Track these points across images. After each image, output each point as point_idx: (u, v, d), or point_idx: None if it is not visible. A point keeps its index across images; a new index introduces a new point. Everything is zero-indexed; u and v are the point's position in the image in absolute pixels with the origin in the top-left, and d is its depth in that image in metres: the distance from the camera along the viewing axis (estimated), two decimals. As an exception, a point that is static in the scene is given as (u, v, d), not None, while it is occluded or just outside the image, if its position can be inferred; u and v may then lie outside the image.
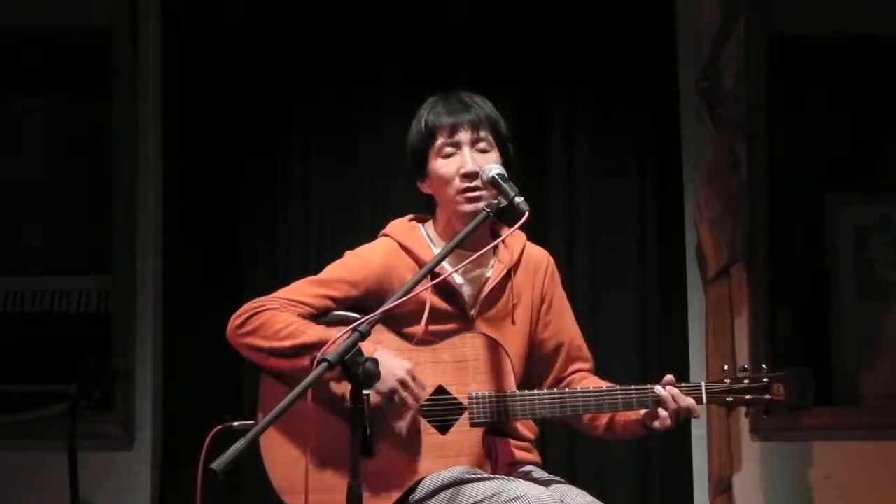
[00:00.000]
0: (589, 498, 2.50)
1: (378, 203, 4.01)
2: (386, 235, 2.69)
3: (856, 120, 4.29)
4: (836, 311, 4.23)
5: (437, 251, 2.61)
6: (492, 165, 2.54)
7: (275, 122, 4.12)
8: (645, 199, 4.08)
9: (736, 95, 4.01)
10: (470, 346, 2.55)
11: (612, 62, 4.09)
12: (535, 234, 2.77)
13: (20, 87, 4.35)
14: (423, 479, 2.48)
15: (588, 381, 2.68)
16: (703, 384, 2.57)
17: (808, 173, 4.29)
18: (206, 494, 2.23)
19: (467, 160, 2.57)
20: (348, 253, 2.67)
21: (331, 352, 2.12)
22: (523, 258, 2.69)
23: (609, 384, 2.64)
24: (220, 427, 2.40)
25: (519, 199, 2.43)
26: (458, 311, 2.60)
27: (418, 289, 2.33)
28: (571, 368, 2.71)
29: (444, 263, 2.44)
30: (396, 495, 2.48)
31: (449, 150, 2.59)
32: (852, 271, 4.25)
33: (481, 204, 2.54)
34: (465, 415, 2.52)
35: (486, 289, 2.63)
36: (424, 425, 2.51)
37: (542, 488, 2.41)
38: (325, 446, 2.45)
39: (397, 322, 2.55)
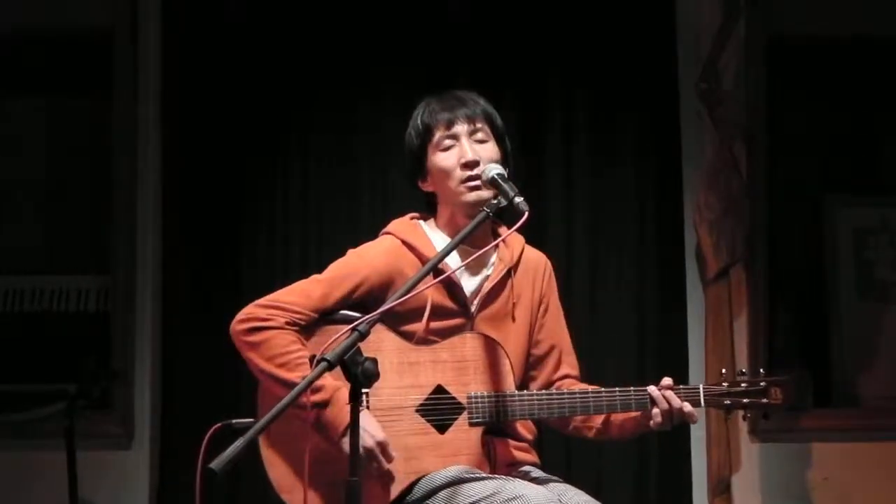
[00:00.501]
0: (586, 497, 2.50)
1: (378, 202, 4.01)
2: (388, 233, 2.69)
3: (855, 121, 4.29)
4: (835, 312, 4.23)
5: (439, 247, 2.62)
6: (491, 165, 2.56)
7: (275, 122, 4.12)
8: (644, 199, 4.08)
9: (735, 96, 4.00)
10: (470, 346, 2.55)
11: (612, 62, 4.09)
12: (534, 234, 2.78)
13: (20, 87, 4.34)
14: (420, 478, 2.48)
15: (578, 388, 2.67)
16: (700, 387, 2.58)
17: (807, 174, 4.29)
18: (205, 493, 2.23)
19: (467, 150, 2.59)
20: (351, 251, 2.68)
21: (330, 351, 2.12)
22: (522, 259, 2.71)
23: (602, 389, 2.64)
24: (219, 425, 2.40)
25: (519, 199, 2.44)
26: (459, 308, 2.61)
27: (420, 286, 2.33)
28: (561, 372, 2.73)
29: (447, 260, 2.45)
30: (394, 494, 2.48)
31: (447, 142, 2.61)
32: (851, 272, 4.25)
33: (484, 192, 2.55)
34: (464, 414, 2.52)
35: (487, 286, 2.64)
36: (423, 424, 2.51)
37: (540, 488, 2.42)
38: (324, 445, 2.45)
39: (398, 319, 2.55)
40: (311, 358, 2.29)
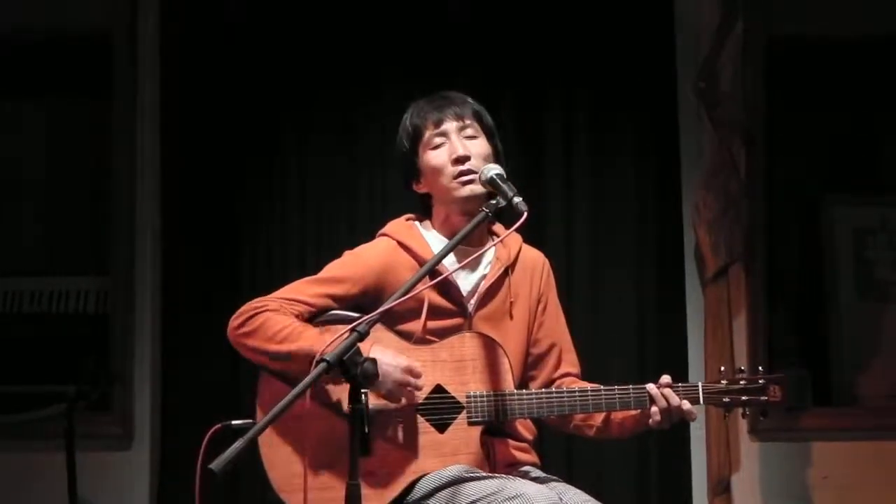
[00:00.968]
0: (586, 497, 2.50)
1: (377, 203, 4.01)
2: (384, 235, 2.70)
3: (854, 121, 4.30)
4: (834, 311, 4.23)
5: (435, 248, 2.63)
6: (490, 165, 2.57)
7: (274, 122, 4.12)
8: (643, 199, 4.08)
9: (734, 96, 4.00)
10: (469, 345, 2.56)
11: (611, 63, 4.09)
12: (533, 234, 2.78)
13: (20, 87, 4.34)
14: (420, 477, 2.48)
15: (578, 386, 2.67)
16: (699, 385, 2.58)
17: (806, 174, 4.30)
18: (204, 494, 2.23)
19: (457, 146, 2.60)
20: (347, 252, 2.69)
21: (329, 352, 2.12)
22: (520, 258, 2.71)
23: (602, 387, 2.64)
24: (218, 426, 2.40)
25: (517, 200, 2.44)
26: (456, 307, 2.61)
27: (418, 287, 2.34)
28: (562, 370, 2.73)
29: (444, 261, 2.45)
30: (394, 494, 2.48)
31: (437, 140, 2.62)
32: (851, 272, 4.25)
33: (477, 187, 2.56)
34: (464, 414, 2.52)
35: (484, 285, 2.64)
36: (422, 424, 2.52)
37: (541, 486, 2.42)
38: (323, 445, 2.46)
39: (396, 320, 2.56)
40: (311, 358, 2.28)
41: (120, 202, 4.11)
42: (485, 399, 2.53)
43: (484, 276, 2.66)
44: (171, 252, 4.10)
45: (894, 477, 3.95)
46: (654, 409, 2.53)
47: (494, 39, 4.09)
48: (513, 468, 2.62)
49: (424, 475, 2.48)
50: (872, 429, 4.00)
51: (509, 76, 4.05)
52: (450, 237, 2.64)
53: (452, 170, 2.59)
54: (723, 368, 2.70)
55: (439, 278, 2.47)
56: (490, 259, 2.68)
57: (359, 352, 2.16)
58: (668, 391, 2.53)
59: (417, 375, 2.48)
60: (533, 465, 2.68)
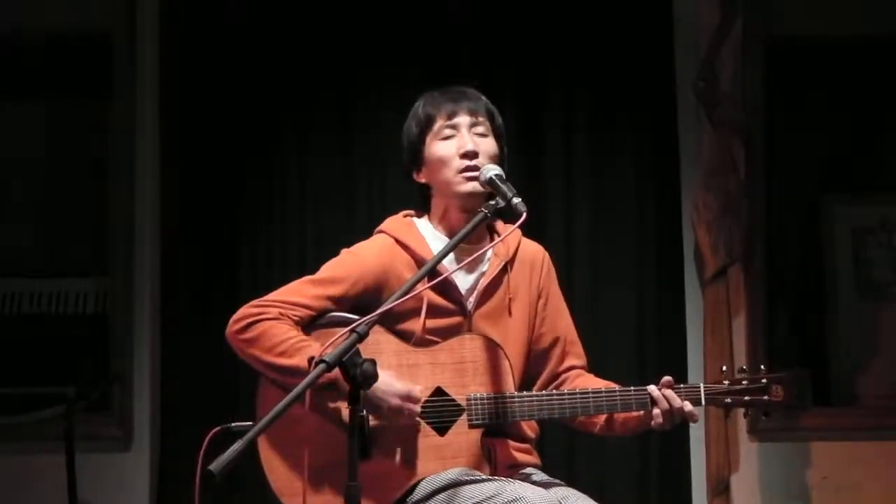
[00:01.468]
0: (590, 502, 2.49)
1: (376, 202, 4.01)
2: (381, 232, 2.69)
3: (853, 120, 4.29)
4: (833, 311, 4.23)
5: (433, 245, 2.62)
6: (490, 166, 2.56)
7: (273, 122, 4.12)
8: (643, 199, 4.08)
9: (733, 96, 4.00)
10: (469, 347, 2.55)
11: (611, 62, 4.09)
12: (533, 234, 2.78)
13: (19, 88, 4.34)
14: (421, 480, 2.47)
15: (584, 380, 2.68)
16: (701, 385, 2.57)
17: (805, 174, 4.29)
18: (204, 496, 2.23)
19: (466, 140, 2.59)
20: (344, 251, 2.68)
21: (329, 353, 2.12)
22: (519, 253, 2.70)
23: (606, 383, 2.64)
24: (218, 429, 2.40)
25: (517, 200, 2.44)
26: (455, 306, 2.60)
27: (418, 287, 2.33)
28: (567, 364, 2.71)
29: (443, 261, 2.44)
30: (394, 497, 2.48)
31: (448, 132, 2.61)
32: (850, 272, 4.24)
33: (479, 186, 2.54)
34: (464, 416, 2.51)
35: (483, 283, 2.63)
36: (422, 427, 2.51)
37: (541, 490, 2.41)
38: (323, 449, 2.45)
39: (395, 320, 2.55)
40: (311, 359, 2.28)
41: (120, 202, 4.11)
42: (485, 401, 2.52)
43: (483, 274, 2.65)
44: (170, 252, 4.10)
45: (894, 477, 3.95)
46: (655, 410, 2.52)
47: (494, 39, 4.09)
48: (514, 470, 2.61)
49: (424, 478, 2.47)
50: (872, 429, 4.00)
51: (509, 76, 4.05)
52: (448, 234, 2.64)
53: (459, 163, 2.57)
54: (724, 368, 2.68)
55: (439, 279, 2.46)
56: (488, 256, 2.67)
57: (358, 353, 2.15)
58: (669, 392, 2.52)
59: (416, 400, 2.47)
60: (535, 466, 2.67)
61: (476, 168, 2.56)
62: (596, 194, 4.08)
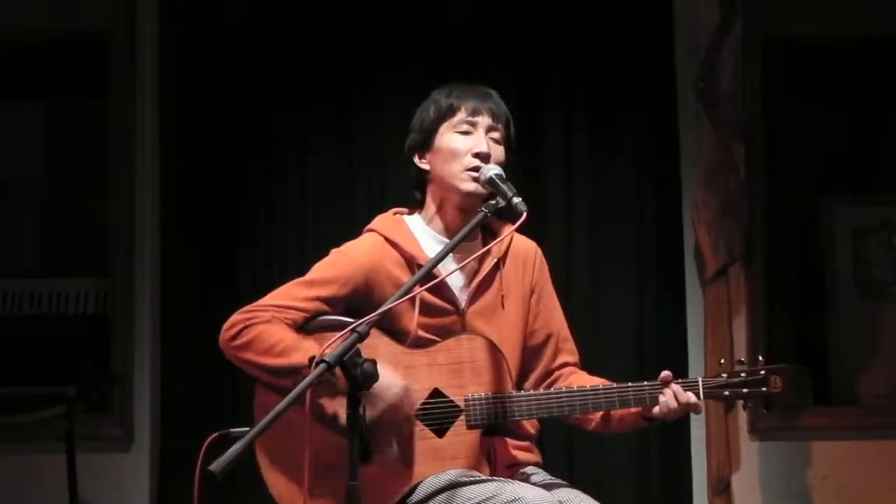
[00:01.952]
0: (591, 502, 2.48)
1: (376, 202, 4.00)
2: (371, 230, 2.68)
3: (853, 120, 4.30)
4: (833, 311, 4.23)
5: (423, 243, 2.61)
6: (490, 166, 2.55)
7: (273, 122, 4.12)
8: (643, 199, 4.08)
9: (733, 95, 4.00)
10: (466, 347, 2.54)
11: (611, 62, 4.09)
12: (533, 234, 2.77)
13: (19, 88, 4.34)
14: (420, 482, 2.47)
15: (577, 377, 2.67)
16: (699, 380, 2.55)
17: (805, 174, 4.30)
18: (204, 497, 2.22)
19: (482, 141, 2.57)
20: (334, 251, 2.66)
21: (329, 353, 2.11)
22: (511, 249, 2.69)
23: (600, 380, 2.63)
24: (216, 434, 2.39)
25: (517, 200, 2.43)
26: (448, 304, 2.60)
27: (416, 288, 2.33)
28: (560, 361, 2.71)
29: (431, 256, 2.43)
30: (394, 499, 2.47)
31: (466, 126, 2.59)
32: (850, 272, 4.25)
33: (481, 188, 2.54)
34: (462, 417, 2.51)
35: (476, 280, 2.63)
36: (421, 429, 2.50)
37: (540, 490, 2.40)
38: (321, 452, 2.43)
39: (388, 320, 2.52)
40: (311, 359, 2.28)
41: (120, 202, 4.11)
42: (483, 402, 2.51)
43: (476, 271, 2.64)
44: (170, 252, 4.10)
45: (894, 476, 3.95)
46: (662, 398, 2.50)
47: (494, 39, 4.09)
48: (514, 469, 2.61)
49: (423, 480, 2.46)
50: (872, 428, 4.01)
51: (509, 76, 4.04)
52: (440, 232, 2.63)
53: (468, 161, 2.56)
54: (722, 361, 2.68)
55: (435, 281, 2.44)
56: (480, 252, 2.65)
57: (358, 353, 2.15)
58: (677, 388, 2.50)
59: (412, 400, 2.45)
60: (535, 464, 2.66)
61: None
62: (596, 194, 4.08)
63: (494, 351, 2.55)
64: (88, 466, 3.82)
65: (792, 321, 4.24)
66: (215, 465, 1.94)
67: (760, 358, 2.62)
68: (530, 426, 2.68)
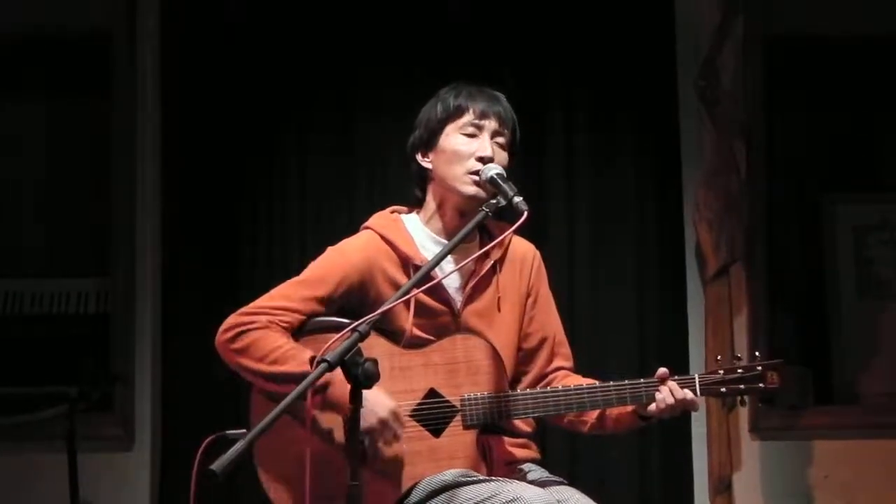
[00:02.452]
0: (589, 501, 2.47)
1: (375, 202, 3.98)
2: (367, 228, 2.67)
3: (854, 119, 4.30)
4: (834, 310, 4.23)
5: (420, 242, 2.61)
6: (491, 165, 2.54)
7: (273, 122, 4.12)
8: (644, 198, 4.08)
9: (734, 94, 4.00)
10: (461, 347, 2.53)
11: (611, 62, 4.09)
12: (534, 234, 2.77)
13: (20, 88, 4.35)
14: (417, 483, 2.46)
15: (571, 380, 2.66)
16: (696, 377, 2.54)
17: (806, 172, 4.30)
18: (203, 497, 2.22)
19: (487, 146, 2.56)
20: (329, 249, 2.65)
21: (330, 352, 2.11)
22: (509, 251, 2.68)
23: (597, 382, 2.62)
24: (213, 436, 2.39)
25: (518, 199, 2.43)
26: (443, 305, 2.59)
27: (415, 290, 2.32)
28: (554, 365, 2.70)
29: (428, 257, 2.43)
30: (391, 501, 2.47)
31: (472, 129, 2.59)
32: (851, 271, 4.25)
33: (482, 192, 2.53)
34: (458, 417, 2.50)
35: (472, 281, 2.62)
36: (418, 429, 2.50)
37: (539, 489, 2.40)
38: (317, 456, 2.42)
39: (383, 320, 2.49)
40: (312, 359, 2.27)
41: (120, 202, 4.11)
42: (479, 401, 2.51)
43: (472, 272, 2.63)
44: (171, 252, 4.10)
45: (895, 475, 3.95)
46: (658, 395, 2.49)
47: (494, 39, 4.09)
48: (512, 466, 2.61)
49: (421, 481, 2.45)
50: (873, 427, 4.01)
51: (509, 76, 4.04)
52: (437, 232, 2.63)
53: (472, 164, 2.55)
54: (719, 358, 2.67)
55: (432, 283, 2.43)
56: (478, 255, 2.64)
57: (359, 352, 2.15)
58: (673, 384, 2.50)
59: (401, 423, 2.44)
60: (532, 460, 2.66)
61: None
62: (597, 194, 4.08)
63: (490, 350, 2.54)
64: (89, 466, 3.82)
65: (793, 320, 4.25)
66: (217, 465, 1.94)
67: (757, 354, 2.61)
68: (526, 425, 2.67)
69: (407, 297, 2.30)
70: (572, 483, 2.58)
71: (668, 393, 2.49)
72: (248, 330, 2.49)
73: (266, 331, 2.48)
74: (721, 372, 2.55)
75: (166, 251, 4.10)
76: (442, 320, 2.58)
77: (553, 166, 4.08)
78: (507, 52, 4.09)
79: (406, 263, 2.58)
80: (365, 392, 2.17)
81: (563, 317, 2.78)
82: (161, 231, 4.11)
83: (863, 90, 4.24)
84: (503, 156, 2.60)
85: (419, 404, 2.51)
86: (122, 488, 4.02)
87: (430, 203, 2.66)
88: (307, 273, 2.60)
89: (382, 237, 2.62)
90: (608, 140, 4.11)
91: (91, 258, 4.27)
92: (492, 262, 2.64)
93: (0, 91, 4.31)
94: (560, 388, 2.57)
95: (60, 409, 3.79)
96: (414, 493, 2.46)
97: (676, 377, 2.53)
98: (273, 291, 2.57)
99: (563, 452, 3.86)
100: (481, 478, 2.43)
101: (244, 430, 2.29)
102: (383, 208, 2.77)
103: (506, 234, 2.59)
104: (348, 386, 2.15)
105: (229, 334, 2.50)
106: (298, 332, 2.53)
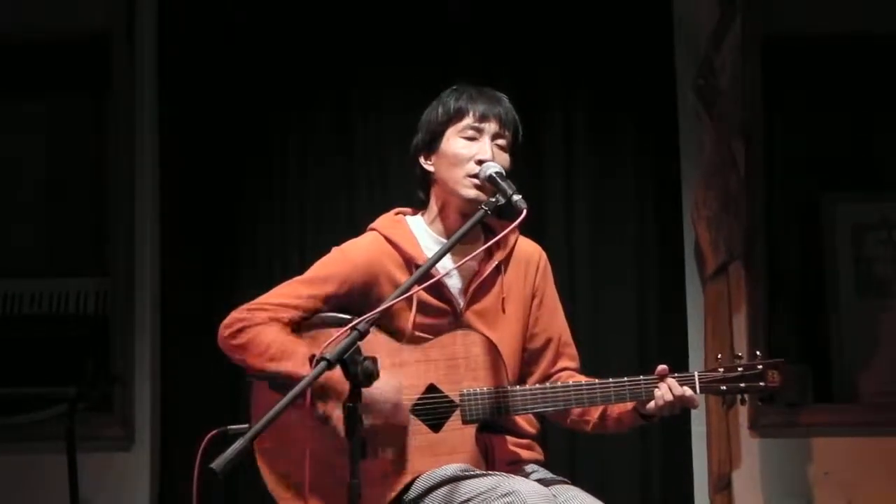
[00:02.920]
0: (590, 498, 2.48)
1: (377, 203, 4.00)
2: (372, 229, 2.68)
3: (853, 118, 4.30)
4: (834, 308, 4.24)
5: (424, 244, 2.62)
6: (489, 164, 2.54)
7: (273, 122, 4.12)
8: (643, 198, 4.08)
9: (732, 93, 4.01)
10: (461, 343, 2.54)
11: (611, 61, 4.10)
12: (534, 233, 2.77)
13: (19, 89, 4.35)
14: (416, 478, 2.47)
15: (575, 380, 2.64)
16: (696, 374, 2.54)
17: (805, 171, 4.30)
18: (204, 495, 2.23)
19: (487, 149, 2.57)
20: (334, 249, 2.67)
21: (329, 351, 2.11)
22: (515, 252, 2.68)
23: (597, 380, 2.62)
24: (215, 432, 2.40)
25: (517, 198, 2.44)
26: (445, 305, 2.60)
27: (415, 287, 2.33)
28: (559, 365, 2.70)
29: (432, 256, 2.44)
30: (391, 495, 2.47)
31: (472, 132, 2.59)
32: (850, 269, 4.25)
33: (483, 193, 2.53)
34: (458, 413, 2.51)
35: (476, 282, 2.62)
36: (417, 425, 2.50)
37: (537, 485, 2.40)
38: (318, 450, 2.43)
39: (385, 318, 2.52)
40: (311, 357, 2.28)
41: (120, 202, 4.12)
42: (479, 397, 2.51)
43: (475, 273, 2.64)
44: (170, 252, 4.10)
45: (895, 473, 3.95)
46: (657, 392, 2.49)
47: (494, 39, 4.09)
48: (515, 466, 2.60)
49: (420, 475, 2.46)
50: (873, 425, 4.01)
51: (509, 76, 4.04)
52: (441, 234, 2.63)
53: (471, 167, 2.55)
54: (720, 356, 2.66)
55: (432, 280, 2.42)
56: (482, 255, 2.64)
57: (359, 350, 2.15)
58: (671, 381, 2.50)
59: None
60: (536, 461, 2.66)
61: None
62: (596, 194, 4.08)
63: (490, 346, 2.54)
64: (89, 466, 3.82)
65: (792, 318, 4.25)
66: (217, 463, 1.95)
67: (758, 353, 2.61)
68: (530, 425, 2.67)
69: (406, 294, 2.31)
70: (573, 481, 2.58)
71: (667, 390, 2.49)
72: (250, 326, 2.51)
73: (267, 327, 2.50)
74: (721, 370, 2.55)
75: (166, 251, 4.11)
76: (444, 320, 2.58)
77: (553, 166, 4.08)
78: (506, 52, 4.09)
79: (409, 264, 2.59)
80: (372, 387, 2.19)
81: (563, 316, 2.78)
82: (161, 231, 4.11)
83: (862, 89, 4.24)
84: (504, 157, 2.60)
85: (419, 399, 2.51)
86: (122, 488, 4.02)
87: (434, 205, 2.66)
88: (311, 272, 2.61)
89: (386, 238, 2.63)
90: (608, 140, 4.11)
91: (90, 258, 4.27)
92: (495, 262, 2.64)
93: (0, 91, 4.30)
94: (560, 384, 2.57)
95: (60, 409, 3.80)
96: (413, 487, 2.46)
97: (676, 375, 2.53)
98: (276, 289, 2.59)
99: (564, 450, 3.86)
100: (480, 472, 2.43)
101: (246, 426, 2.30)
102: (383, 208, 2.78)
103: (504, 231, 2.58)
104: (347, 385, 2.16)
105: (231, 329, 2.52)
106: (300, 327, 2.54)
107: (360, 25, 4.11)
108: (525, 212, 2.40)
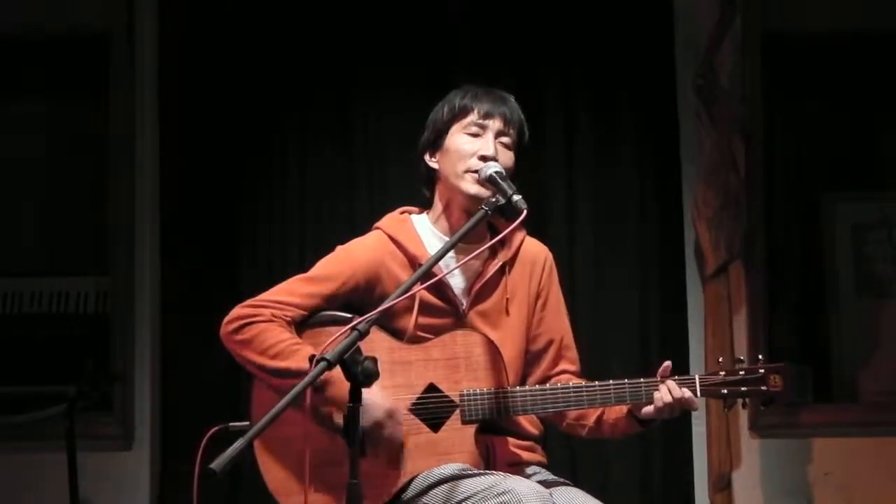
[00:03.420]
0: (589, 499, 2.48)
1: (376, 202, 4.01)
2: (377, 229, 2.69)
3: (853, 117, 4.30)
4: (834, 307, 4.24)
5: (428, 243, 2.62)
6: (490, 164, 2.54)
7: (272, 122, 4.13)
8: (644, 197, 4.09)
9: (732, 92, 4.00)
10: (461, 343, 2.54)
11: (611, 60, 4.10)
12: (534, 233, 2.77)
13: (19, 89, 4.35)
14: (415, 477, 2.47)
15: (572, 382, 2.63)
16: (696, 377, 2.53)
17: (805, 171, 4.30)
18: (202, 498, 2.23)
19: (490, 145, 2.57)
20: (339, 248, 2.67)
21: (329, 351, 2.11)
22: (520, 252, 2.68)
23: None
24: (216, 429, 2.40)
25: (517, 198, 2.43)
26: (448, 306, 2.60)
27: (416, 287, 2.33)
28: (559, 368, 2.69)
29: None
30: (389, 494, 2.47)
31: (475, 129, 2.59)
32: (850, 269, 4.25)
33: (484, 189, 2.53)
34: (457, 412, 2.50)
35: (479, 282, 2.62)
36: (416, 424, 2.50)
37: (534, 484, 2.40)
38: (317, 449, 2.43)
39: (387, 317, 2.53)
40: (311, 357, 2.28)
41: (120, 202, 4.11)
42: (478, 397, 2.51)
43: (479, 274, 2.64)
44: (171, 252, 4.10)
45: (895, 473, 3.95)
46: (657, 394, 2.49)
47: (494, 39, 4.09)
48: (517, 467, 2.60)
49: (418, 474, 2.46)
50: (873, 425, 4.01)
51: (509, 75, 4.04)
52: (445, 233, 2.64)
53: (473, 163, 2.56)
54: (721, 359, 2.65)
55: (434, 280, 2.42)
56: (486, 256, 2.65)
57: (359, 350, 2.15)
58: (670, 383, 2.49)
59: (399, 421, 2.46)
60: (539, 464, 2.65)
61: None
62: (597, 194, 4.09)
63: (490, 346, 2.54)
64: (89, 465, 3.82)
65: (792, 318, 4.25)
66: (216, 463, 1.95)
67: (760, 357, 2.59)
68: (532, 426, 2.67)
69: (407, 294, 2.31)
70: (574, 482, 2.59)
71: (667, 392, 2.49)
72: (252, 322, 2.51)
73: (269, 324, 2.50)
74: (722, 373, 2.54)
75: (166, 251, 4.11)
76: (446, 320, 2.58)
77: (554, 166, 4.08)
78: (507, 52, 4.09)
79: (413, 263, 2.59)
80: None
81: (563, 316, 2.78)
82: (161, 231, 4.11)
83: (862, 87, 4.24)
84: (508, 155, 2.60)
85: (418, 399, 2.51)
86: (122, 488, 4.02)
87: (438, 203, 2.67)
88: (314, 270, 2.62)
89: (391, 237, 2.63)
90: (608, 140, 4.11)
91: (91, 258, 4.27)
92: (499, 263, 2.64)
93: (0, 91, 4.30)
94: (559, 385, 2.56)
95: (60, 409, 3.79)
96: (411, 486, 2.46)
97: (677, 377, 2.52)
98: (279, 286, 2.60)
99: (564, 451, 3.86)
100: (478, 472, 2.43)
101: (247, 423, 2.31)
102: (383, 208, 2.78)
103: (504, 232, 2.57)
104: (347, 385, 2.15)
105: (233, 326, 2.53)
106: (302, 325, 2.55)
107: (360, 25, 4.11)
108: (525, 212, 2.39)
